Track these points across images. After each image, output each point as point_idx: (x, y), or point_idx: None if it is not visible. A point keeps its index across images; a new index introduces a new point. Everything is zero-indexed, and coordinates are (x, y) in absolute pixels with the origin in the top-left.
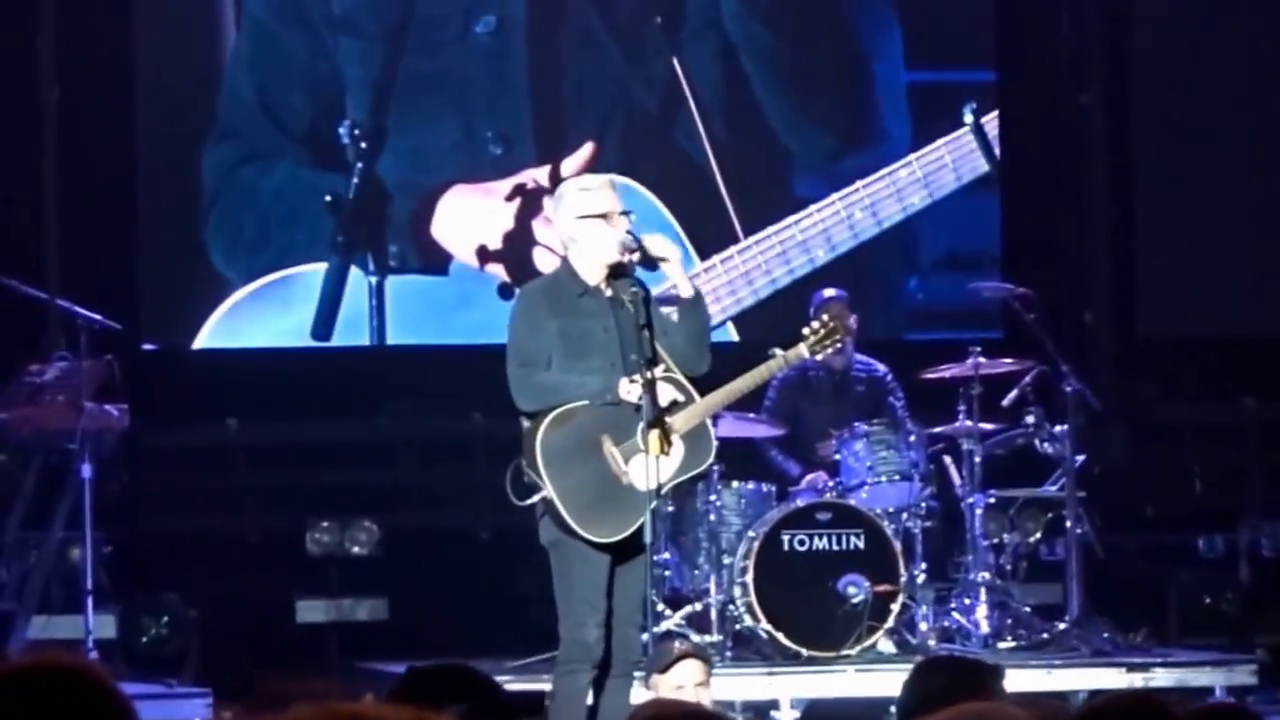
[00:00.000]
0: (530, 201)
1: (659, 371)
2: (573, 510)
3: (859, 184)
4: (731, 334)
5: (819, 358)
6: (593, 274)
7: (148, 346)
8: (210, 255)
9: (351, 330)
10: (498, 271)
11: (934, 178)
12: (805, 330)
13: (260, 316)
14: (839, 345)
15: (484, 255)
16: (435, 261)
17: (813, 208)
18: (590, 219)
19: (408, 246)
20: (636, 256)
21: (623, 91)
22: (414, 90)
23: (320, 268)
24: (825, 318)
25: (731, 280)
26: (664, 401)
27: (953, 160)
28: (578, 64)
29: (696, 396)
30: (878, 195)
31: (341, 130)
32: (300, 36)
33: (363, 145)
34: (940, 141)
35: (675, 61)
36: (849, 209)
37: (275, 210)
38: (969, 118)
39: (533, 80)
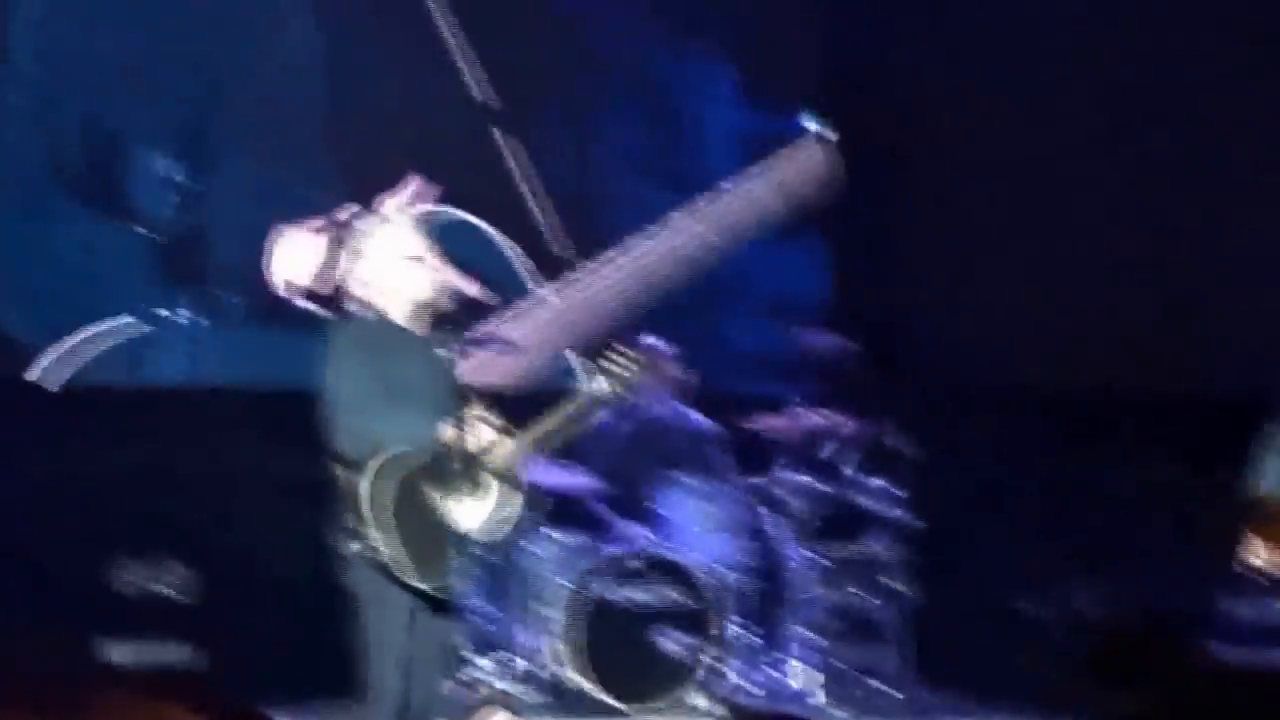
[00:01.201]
0: (343, 239)
1: (476, 412)
2: (399, 558)
3: (688, 212)
4: None
5: (622, 390)
6: (402, 315)
7: None
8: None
9: (168, 367)
10: (315, 310)
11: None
12: (605, 364)
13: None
14: (637, 376)
15: (303, 293)
16: (278, 310)
17: (647, 237)
18: (404, 261)
19: (249, 295)
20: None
21: (433, 120)
22: (215, 136)
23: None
24: (628, 352)
25: (558, 322)
26: (484, 444)
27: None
28: (382, 94)
29: (515, 437)
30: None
31: (157, 164)
32: (81, 87)
33: (177, 178)
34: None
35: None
36: (680, 239)
37: (77, 268)
38: (811, 126)
39: (336, 116)
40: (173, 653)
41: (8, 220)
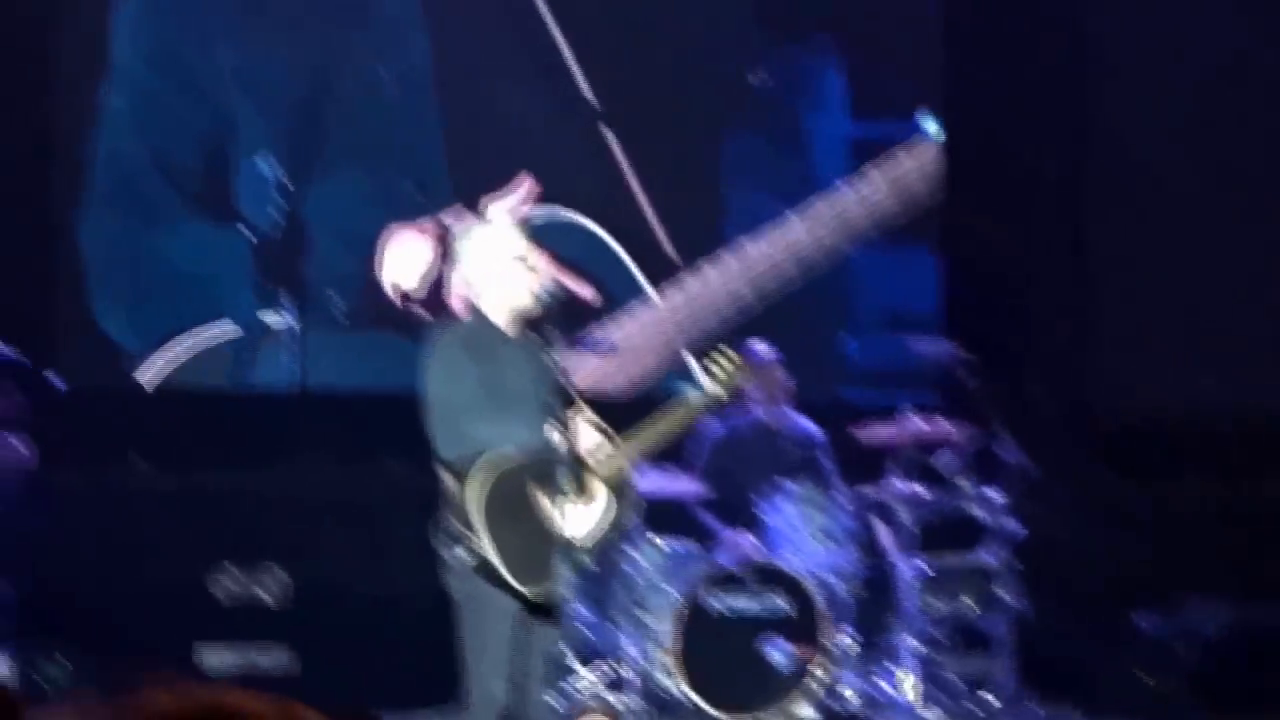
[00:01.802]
0: (450, 241)
1: (581, 416)
2: (507, 564)
3: (800, 214)
4: None
5: (724, 392)
6: (506, 320)
7: (57, 383)
8: (103, 327)
9: (272, 373)
10: (419, 313)
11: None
12: (712, 370)
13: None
14: (745, 380)
15: (404, 297)
16: (386, 315)
17: (752, 244)
18: (506, 265)
19: (355, 299)
20: (550, 299)
21: (541, 122)
22: (322, 141)
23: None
24: (730, 354)
25: (663, 329)
26: (588, 448)
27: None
28: (492, 98)
29: (619, 442)
30: (822, 223)
31: (263, 166)
32: (186, 91)
33: (284, 181)
34: (899, 152)
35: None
36: (797, 238)
37: (184, 273)
38: (931, 127)
39: (445, 120)
40: (274, 659)
41: (114, 226)
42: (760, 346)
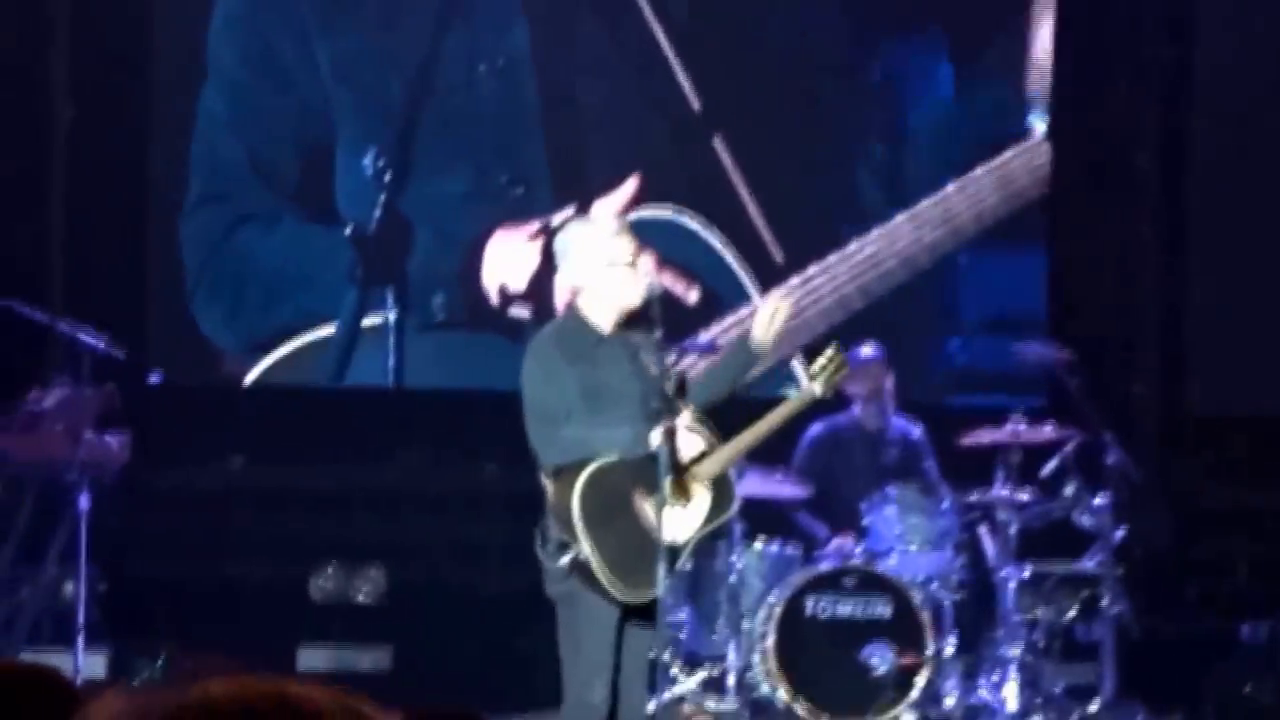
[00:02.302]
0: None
1: (682, 419)
2: (607, 567)
3: (908, 213)
4: None
5: (827, 392)
6: (606, 320)
7: (153, 378)
8: (201, 326)
9: (370, 371)
10: (520, 314)
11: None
12: (812, 368)
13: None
14: (845, 378)
15: (506, 297)
16: (485, 314)
17: (859, 242)
18: (610, 266)
19: (455, 298)
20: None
21: (646, 119)
22: (422, 137)
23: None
24: (830, 352)
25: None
26: (690, 450)
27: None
28: (592, 95)
29: (720, 443)
30: (929, 221)
31: (365, 162)
32: (284, 91)
33: (386, 177)
34: (1009, 153)
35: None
36: (903, 237)
37: (283, 272)
38: (1039, 126)
39: (546, 117)
40: (372, 659)
41: (212, 227)
42: (866, 347)
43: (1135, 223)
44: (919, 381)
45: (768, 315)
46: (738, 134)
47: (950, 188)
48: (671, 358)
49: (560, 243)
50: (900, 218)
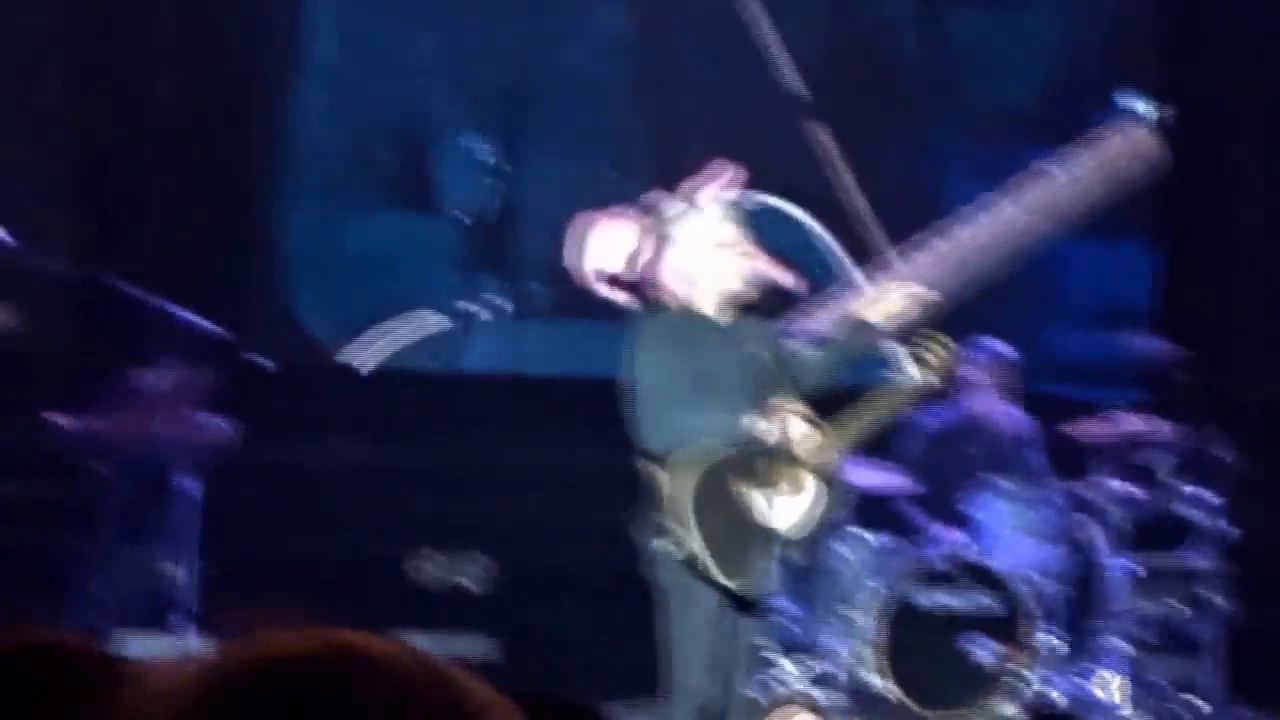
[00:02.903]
0: (653, 226)
1: (790, 406)
2: (713, 556)
3: (1013, 200)
4: None
5: (935, 382)
6: (714, 306)
7: (257, 359)
8: (299, 314)
9: (477, 357)
10: (622, 299)
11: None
12: (922, 357)
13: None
14: (953, 368)
15: (610, 282)
16: (578, 301)
17: (964, 222)
18: (718, 250)
19: (548, 285)
20: (758, 289)
21: (744, 105)
22: (525, 123)
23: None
24: (940, 342)
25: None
26: (797, 439)
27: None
28: (691, 80)
29: (828, 431)
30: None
31: (475, 144)
32: (385, 81)
33: (493, 163)
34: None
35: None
36: (1002, 220)
37: (381, 262)
38: (1141, 108)
39: (643, 101)
40: (476, 646)
41: (318, 216)
42: (984, 339)
43: (1249, 212)
44: (1025, 373)
45: (888, 303)
46: (837, 118)
47: (1052, 170)
48: (780, 344)
49: (669, 228)
50: (1000, 201)
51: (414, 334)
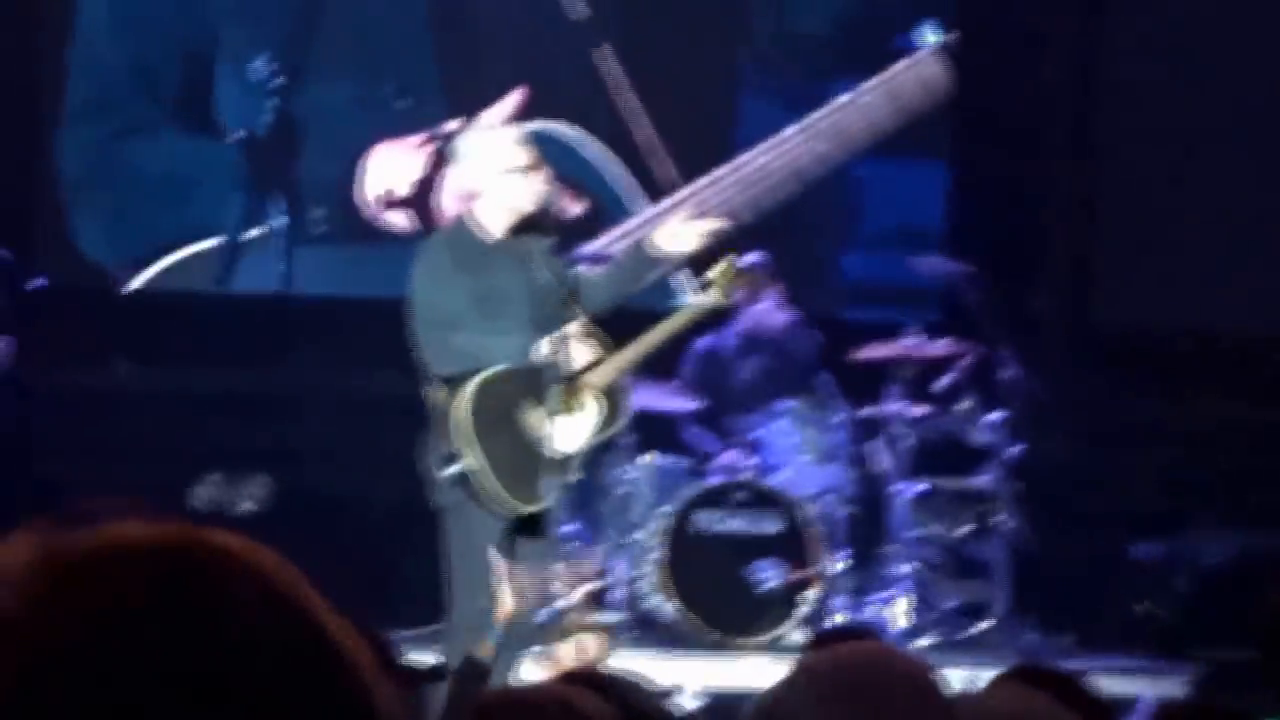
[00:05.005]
0: (444, 151)
1: (574, 328)
2: (498, 479)
3: (798, 125)
4: None
5: (720, 302)
6: (499, 227)
7: (38, 281)
8: (79, 244)
9: (256, 278)
10: (400, 221)
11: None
12: (706, 277)
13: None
14: (738, 287)
15: (388, 203)
16: (362, 227)
17: (755, 151)
18: (508, 172)
19: (335, 212)
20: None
21: (535, 34)
22: (310, 44)
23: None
24: (724, 262)
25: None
26: (581, 359)
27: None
28: (481, 6)
29: (612, 352)
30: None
31: (255, 66)
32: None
33: (276, 82)
34: (900, 64)
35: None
36: (793, 148)
37: (165, 185)
38: (931, 37)
39: (435, 26)
40: None
41: (98, 138)
42: (754, 256)
43: (1039, 134)
44: (814, 295)
45: (677, 232)
46: (625, 44)
47: (842, 99)
48: (562, 266)
49: (457, 148)
50: (790, 129)
51: (195, 257)
